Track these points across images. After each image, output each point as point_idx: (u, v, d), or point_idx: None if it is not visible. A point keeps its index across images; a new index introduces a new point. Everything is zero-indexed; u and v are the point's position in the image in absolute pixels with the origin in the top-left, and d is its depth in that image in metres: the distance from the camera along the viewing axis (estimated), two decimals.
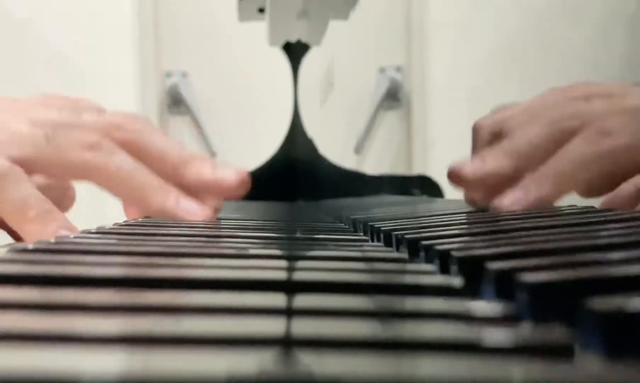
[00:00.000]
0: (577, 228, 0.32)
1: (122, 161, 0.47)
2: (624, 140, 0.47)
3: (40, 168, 0.47)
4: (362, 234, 0.42)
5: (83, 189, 0.72)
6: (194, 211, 0.48)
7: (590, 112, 0.49)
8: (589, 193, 0.52)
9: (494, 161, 0.50)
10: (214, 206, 0.50)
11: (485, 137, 0.64)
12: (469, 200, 0.55)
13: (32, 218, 0.44)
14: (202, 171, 0.49)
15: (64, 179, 0.50)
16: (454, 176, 0.51)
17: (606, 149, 0.47)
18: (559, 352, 0.14)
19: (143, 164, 0.48)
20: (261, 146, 1.13)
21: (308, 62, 1.07)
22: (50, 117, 0.48)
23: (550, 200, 0.48)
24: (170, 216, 0.47)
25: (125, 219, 0.50)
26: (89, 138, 0.47)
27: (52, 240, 0.32)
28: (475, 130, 0.67)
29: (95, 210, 0.70)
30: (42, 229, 0.44)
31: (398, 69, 1.93)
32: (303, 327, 0.17)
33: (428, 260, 0.28)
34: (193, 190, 0.49)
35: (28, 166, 0.46)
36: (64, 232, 0.42)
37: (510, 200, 0.48)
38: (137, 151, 0.49)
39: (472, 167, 0.50)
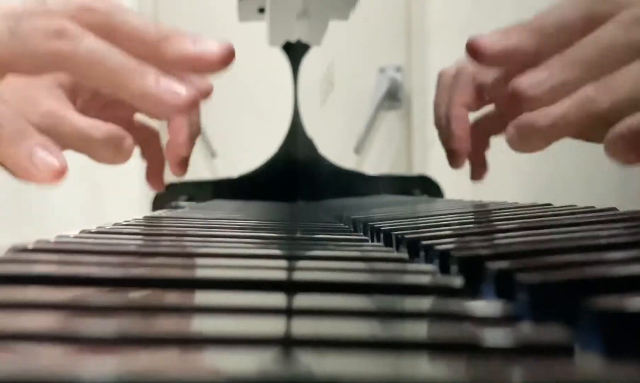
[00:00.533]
0: (577, 228, 0.32)
1: (92, 44, 0.44)
2: None
3: (9, 65, 0.44)
4: (362, 234, 0.42)
5: (83, 190, 0.72)
6: (177, 90, 0.44)
7: None
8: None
9: (517, 35, 0.45)
10: (199, 85, 0.46)
11: (448, 80, 0.66)
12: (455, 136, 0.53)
13: (4, 138, 0.41)
14: (183, 46, 0.45)
15: (36, 73, 0.45)
16: (472, 49, 0.46)
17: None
18: (559, 352, 0.14)
19: (116, 47, 0.44)
20: (261, 146, 1.13)
21: (308, 62, 1.07)
22: (12, 9, 0.45)
23: (576, 85, 0.42)
24: (151, 100, 0.44)
25: (126, 219, 0.50)
26: (53, 24, 0.43)
27: (52, 243, 0.32)
28: (439, 77, 0.69)
29: (95, 210, 0.70)
30: (16, 149, 0.41)
31: (398, 69, 1.93)
32: (303, 327, 0.17)
33: (428, 260, 0.28)
34: (174, 69, 0.45)
35: None
36: (39, 151, 0.40)
37: (531, 80, 0.43)
38: (110, 33, 0.45)
39: (493, 39, 0.45)
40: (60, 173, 0.41)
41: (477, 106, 0.65)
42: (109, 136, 0.49)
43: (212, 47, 0.46)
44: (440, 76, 0.68)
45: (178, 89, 0.44)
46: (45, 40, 0.43)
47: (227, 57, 0.46)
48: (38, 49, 0.43)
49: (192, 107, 0.44)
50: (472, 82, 0.63)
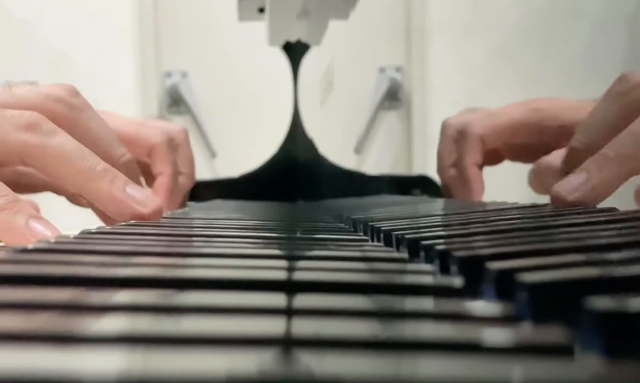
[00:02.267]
0: (577, 228, 0.32)
1: (64, 141, 0.42)
2: None
3: None
4: (362, 234, 0.42)
5: None
6: (143, 200, 0.43)
7: None
8: None
9: (599, 174, 0.45)
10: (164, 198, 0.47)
11: (452, 134, 0.73)
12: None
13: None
14: (119, 185, 0.44)
15: (3, 165, 0.44)
16: (556, 199, 0.45)
17: None
18: (559, 352, 0.14)
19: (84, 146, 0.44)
20: (261, 146, 1.13)
21: (308, 62, 1.07)
22: None
23: (614, 185, 0.44)
24: (117, 206, 0.43)
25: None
26: (25, 116, 0.42)
27: (52, 239, 0.32)
28: (443, 127, 0.75)
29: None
30: (12, 218, 0.40)
31: (398, 69, 1.93)
32: (303, 327, 0.17)
33: (428, 260, 0.28)
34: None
35: None
36: (34, 223, 0.40)
37: (569, 187, 0.44)
38: (73, 128, 0.45)
39: (574, 186, 0.45)
40: None
41: (486, 164, 0.72)
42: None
43: (144, 205, 0.44)
44: (445, 127, 0.76)
45: (144, 200, 0.44)
46: (16, 132, 0.42)
47: (155, 216, 0.44)
48: (8, 141, 0.42)
49: (155, 217, 0.44)
50: (480, 143, 0.69)
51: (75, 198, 0.64)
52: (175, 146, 0.70)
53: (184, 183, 0.71)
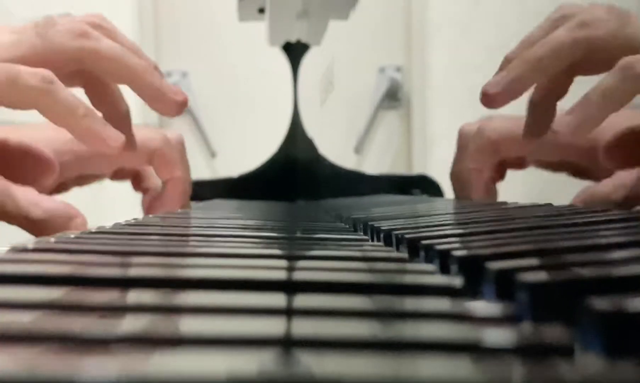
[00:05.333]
0: (577, 228, 0.32)
1: (111, 43, 0.52)
2: (600, 31, 0.52)
3: (39, 62, 0.49)
4: (362, 234, 0.42)
5: (83, 191, 0.72)
6: (177, 90, 0.54)
7: (576, 7, 0.55)
8: (564, 82, 0.56)
9: (514, 69, 0.55)
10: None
11: (466, 142, 0.73)
12: None
13: (83, 114, 0.48)
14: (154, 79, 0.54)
15: (64, 69, 0.52)
16: (484, 98, 0.55)
17: (582, 37, 0.52)
18: (559, 352, 0.14)
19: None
20: (261, 146, 1.13)
21: (308, 62, 1.07)
22: (30, 25, 0.52)
23: (526, 83, 0.54)
24: (157, 94, 0.53)
25: (126, 219, 0.50)
26: (77, 26, 0.51)
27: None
28: (460, 135, 0.75)
29: (95, 210, 0.70)
30: (93, 122, 0.49)
31: (398, 69, 1.93)
32: (303, 327, 0.17)
33: (428, 260, 0.28)
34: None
35: (28, 63, 0.49)
36: (109, 131, 0.49)
37: (492, 81, 0.55)
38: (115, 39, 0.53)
39: (497, 79, 0.55)
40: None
41: (499, 179, 0.72)
42: (49, 216, 0.51)
43: (179, 93, 0.55)
44: (460, 136, 0.75)
45: (177, 90, 0.55)
46: (72, 39, 0.50)
47: (183, 104, 0.55)
48: (66, 47, 0.50)
49: (183, 108, 0.54)
50: (493, 155, 0.69)
51: (116, 174, 0.73)
52: (180, 149, 0.71)
53: (188, 189, 0.72)
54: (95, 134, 0.49)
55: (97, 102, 0.55)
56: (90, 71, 0.52)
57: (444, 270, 0.25)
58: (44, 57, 0.50)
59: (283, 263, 0.29)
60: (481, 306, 0.18)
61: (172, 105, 0.54)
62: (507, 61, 0.56)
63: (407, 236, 0.32)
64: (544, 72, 0.54)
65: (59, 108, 0.48)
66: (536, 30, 0.57)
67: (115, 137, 0.50)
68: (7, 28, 0.53)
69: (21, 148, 0.55)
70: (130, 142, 0.53)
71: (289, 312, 0.18)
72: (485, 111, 0.61)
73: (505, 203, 0.54)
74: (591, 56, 0.53)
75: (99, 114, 0.51)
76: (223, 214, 0.62)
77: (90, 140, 0.49)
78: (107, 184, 0.79)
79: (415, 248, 0.30)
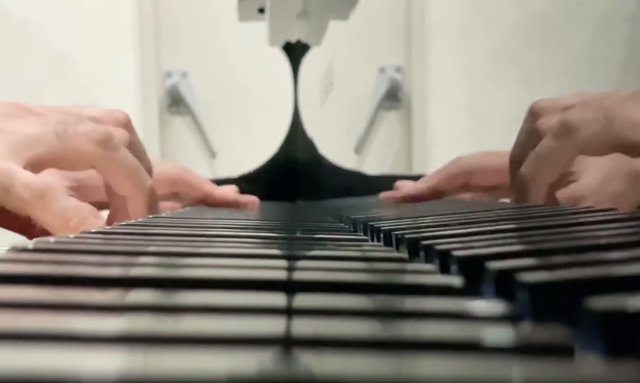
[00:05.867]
0: (577, 228, 0.32)
1: (126, 156, 0.53)
2: (588, 133, 0.51)
3: (53, 163, 0.52)
4: (362, 234, 0.42)
5: None
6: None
7: (550, 102, 0.55)
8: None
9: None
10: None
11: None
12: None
13: (72, 226, 0.48)
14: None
15: (73, 169, 0.55)
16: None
17: (572, 145, 0.51)
18: (559, 352, 0.14)
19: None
20: (261, 146, 1.13)
21: (308, 62, 1.07)
22: (55, 116, 0.53)
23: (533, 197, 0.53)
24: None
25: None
26: (97, 132, 0.52)
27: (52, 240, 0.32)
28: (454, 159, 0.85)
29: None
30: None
31: (398, 69, 1.93)
32: (303, 327, 0.17)
33: (428, 260, 0.28)
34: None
35: (43, 163, 0.51)
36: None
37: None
38: (135, 152, 0.55)
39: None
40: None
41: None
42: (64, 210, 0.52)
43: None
44: (452, 163, 0.84)
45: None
46: (90, 144, 0.51)
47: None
48: (82, 152, 0.51)
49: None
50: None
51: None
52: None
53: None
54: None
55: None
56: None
57: (444, 270, 0.25)
58: (60, 157, 0.51)
59: (283, 263, 0.29)
60: (481, 306, 0.18)
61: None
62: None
63: (407, 236, 0.32)
64: (542, 184, 0.54)
65: (50, 219, 0.49)
66: (520, 136, 0.57)
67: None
68: (33, 110, 0.53)
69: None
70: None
71: (289, 312, 0.18)
72: (482, 111, 0.62)
73: (505, 203, 0.54)
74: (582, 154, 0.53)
75: (98, 220, 0.51)
76: (223, 214, 0.62)
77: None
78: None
79: (415, 248, 0.30)
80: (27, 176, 0.49)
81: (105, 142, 0.52)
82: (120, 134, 0.54)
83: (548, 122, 0.54)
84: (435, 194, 0.84)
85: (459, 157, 0.84)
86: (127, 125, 0.56)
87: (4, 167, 0.48)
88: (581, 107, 0.52)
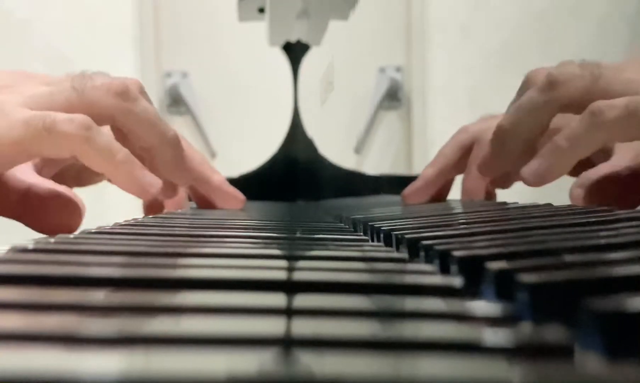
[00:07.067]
0: (577, 228, 0.32)
1: (147, 106, 0.52)
2: (572, 90, 0.51)
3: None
4: (362, 234, 0.42)
5: (83, 192, 0.72)
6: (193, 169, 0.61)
7: (543, 70, 0.54)
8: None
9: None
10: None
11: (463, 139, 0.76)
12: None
13: (119, 160, 0.48)
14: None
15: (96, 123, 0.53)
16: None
17: (554, 98, 0.51)
18: (559, 352, 0.14)
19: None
20: (261, 146, 1.13)
21: (308, 62, 1.07)
22: (64, 78, 0.51)
23: (510, 158, 0.53)
24: (174, 170, 0.53)
25: (126, 219, 0.50)
26: (115, 83, 0.51)
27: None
28: (458, 131, 0.78)
29: (95, 210, 0.70)
30: (131, 169, 0.48)
31: (398, 69, 1.93)
32: (303, 327, 0.17)
33: (428, 260, 0.28)
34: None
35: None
36: (148, 176, 0.49)
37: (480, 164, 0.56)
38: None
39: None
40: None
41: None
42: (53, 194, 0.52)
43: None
44: (459, 132, 0.78)
45: (191, 169, 0.60)
46: (109, 96, 0.50)
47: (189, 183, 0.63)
48: (102, 103, 0.50)
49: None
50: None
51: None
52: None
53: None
54: (133, 180, 0.49)
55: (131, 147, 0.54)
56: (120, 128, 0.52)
57: (444, 270, 0.25)
58: (79, 111, 0.49)
59: (283, 263, 0.29)
60: (481, 306, 0.18)
61: (187, 181, 0.58)
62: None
63: (407, 236, 0.32)
64: (520, 137, 0.53)
65: (97, 155, 0.47)
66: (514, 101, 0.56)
67: (153, 183, 0.49)
68: (41, 78, 0.52)
69: (50, 192, 0.54)
70: (168, 188, 0.53)
71: (289, 312, 0.18)
72: (482, 110, 0.62)
73: (505, 203, 0.54)
74: (565, 111, 0.53)
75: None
76: (223, 214, 0.62)
77: (128, 186, 0.49)
78: (108, 184, 0.79)
79: (415, 248, 0.30)
80: (65, 114, 0.47)
81: (125, 94, 0.50)
82: (136, 87, 0.52)
83: (535, 77, 0.53)
84: (450, 171, 0.78)
85: (464, 126, 0.79)
86: (141, 90, 0.54)
87: (34, 113, 0.46)
88: (570, 65, 0.52)
